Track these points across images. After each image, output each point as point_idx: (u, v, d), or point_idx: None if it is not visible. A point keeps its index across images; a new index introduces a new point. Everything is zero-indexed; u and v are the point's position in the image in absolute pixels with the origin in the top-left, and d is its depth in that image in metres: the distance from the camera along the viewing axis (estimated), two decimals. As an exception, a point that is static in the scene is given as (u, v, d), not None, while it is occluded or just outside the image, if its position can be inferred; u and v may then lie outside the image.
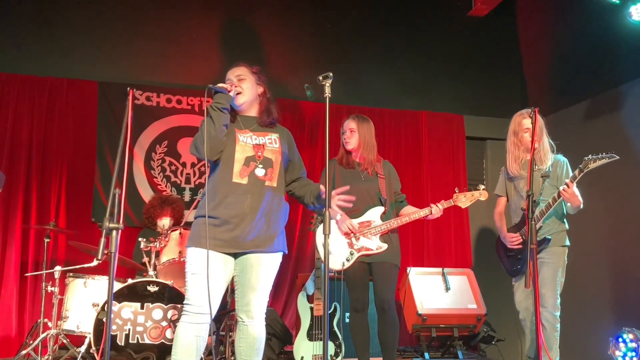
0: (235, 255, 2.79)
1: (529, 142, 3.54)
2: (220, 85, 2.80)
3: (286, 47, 5.91)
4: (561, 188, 3.39)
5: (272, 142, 2.88)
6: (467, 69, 6.29)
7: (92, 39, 5.39)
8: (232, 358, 4.16)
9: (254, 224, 2.74)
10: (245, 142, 2.82)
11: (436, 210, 3.62)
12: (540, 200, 3.55)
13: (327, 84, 2.57)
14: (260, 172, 2.80)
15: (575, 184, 3.38)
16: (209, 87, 2.75)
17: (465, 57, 6.29)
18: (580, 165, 3.35)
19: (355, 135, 3.75)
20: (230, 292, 4.21)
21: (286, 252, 2.93)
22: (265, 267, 2.81)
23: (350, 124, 3.78)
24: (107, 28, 5.44)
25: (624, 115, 4.81)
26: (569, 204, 3.53)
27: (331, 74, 2.57)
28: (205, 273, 2.62)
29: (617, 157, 3.34)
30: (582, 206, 3.49)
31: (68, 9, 5.38)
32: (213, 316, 2.73)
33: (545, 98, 5.89)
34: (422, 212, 3.64)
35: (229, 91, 2.80)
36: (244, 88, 2.88)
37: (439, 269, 5.08)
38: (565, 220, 3.66)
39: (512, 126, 3.75)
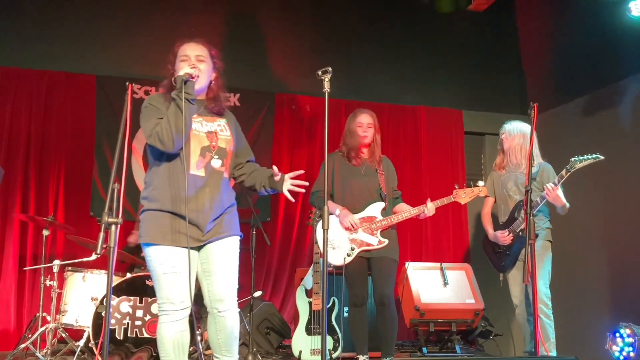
0: (198, 248, 2.70)
1: (504, 143, 3.99)
2: (186, 72, 2.60)
3: (285, 42, 5.90)
4: (548, 187, 3.54)
5: (222, 129, 2.77)
6: (466, 64, 6.28)
7: (91, 33, 5.36)
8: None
9: (213, 215, 2.67)
10: (199, 130, 2.69)
11: (431, 207, 3.62)
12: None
13: (327, 79, 2.57)
14: (216, 163, 2.70)
15: (560, 187, 3.57)
16: (180, 76, 2.57)
17: (464, 52, 6.28)
18: (567, 166, 3.49)
19: (372, 130, 3.77)
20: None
21: (242, 236, 2.85)
22: (228, 251, 2.74)
23: (367, 119, 3.77)
24: (105, 22, 5.41)
25: (622, 111, 4.81)
26: (558, 207, 3.70)
27: (330, 69, 2.56)
28: (177, 270, 2.56)
29: (602, 158, 3.48)
30: (567, 205, 3.67)
31: (66, 2, 5.36)
32: (190, 309, 2.67)
33: (544, 93, 5.89)
34: (414, 211, 3.64)
35: (194, 77, 2.61)
36: (202, 71, 2.69)
37: (437, 264, 5.08)
38: (549, 219, 3.86)
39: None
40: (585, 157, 3.48)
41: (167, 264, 2.59)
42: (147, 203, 2.67)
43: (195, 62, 2.70)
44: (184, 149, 2.59)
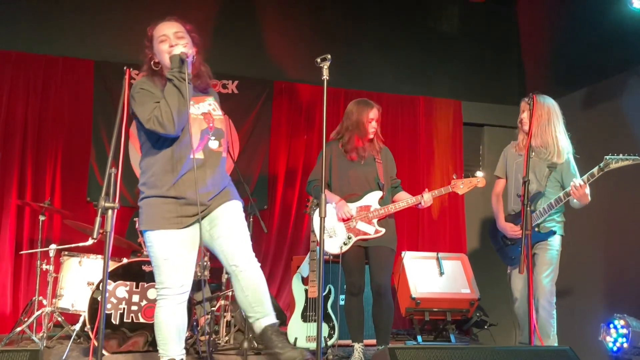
0: (203, 219, 2.66)
1: (524, 125, 3.51)
2: (182, 51, 2.54)
3: (284, 30, 5.86)
4: (574, 183, 3.26)
5: (214, 108, 2.74)
6: (466, 55, 6.26)
7: (88, 17, 5.32)
8: (227, 337, 4.19)
9: (213, 193, 2.66)
10: (195, 114, 2.64)
11: (427, 197, 3.61)
12: (546, 192, 3.48)
13: (325, 67, 2.55)
14: (214, 144, 2.67)
15: (588, 185, 3.27)
16: (176, 56, 2.52)
17: (465, 42, 6.26)
18: (601, 164, 3.24)
19: (378, 124, 3.75)
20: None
21: (243, 202, 2.82)
22: (234, 212, 2.70)
23: (377, 114, 3.72)
24: (103, 6, 5.37)
25: (623, 103, 4.80)
26: (572, 202, 3.45)
27: (329, 57, 2.54)
28: (179, 253, 2.56)
29: None
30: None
31: (64, -14, 5.32)
32: (190, 290, 2.67)
33: (543, 85, 5.87)
34: (411, 201, 3.64)
35: (189, 56, 2.55)
36: (181, 45, 2.60)
37: (434, 254, 5.10)
38: (564, 212, 3.61)
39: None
40: (623, 156, 3.21)
41: (169, 248, 2.57)
42: (147, 190, 2.64)
43: (175, 40, 2.61)
44: (189, 130, 2.55)
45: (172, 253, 2.57)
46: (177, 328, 2.64)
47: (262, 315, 2.59)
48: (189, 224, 2.60)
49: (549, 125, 3.49)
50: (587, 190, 3.31)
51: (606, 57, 5.00)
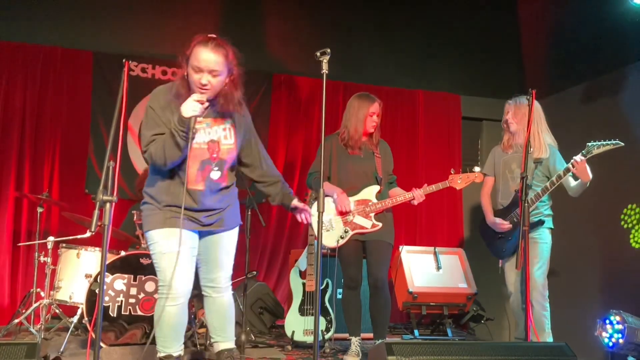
0: (200, 235, 2.77)
1: (510, 125, 3.73)
2: (194, 114, 2.47)
3: (283, 22, 5.84)
4: (573, 159, 3.38)
5: (227, 135, 2.68)
6: (465, 49, 6.24)
7: (88, 8, 5.29)
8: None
9: (213, 214, 2.72)
10: (199, 143, 2.60)
11: (418, 194, 3.58)
12: (532, 185, 3.58)
13: (325, 60, 2.55)
14: (215, 175, 2.67)
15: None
16: (185, 120, 2.47)
17: (464, 36, 6.24)
18: (583, 151, 3.37)
19: (379, 119, 3.74)
20: None
21: (242, 223, 2.93)
22: (228, 243, 2.82)
23: (378, 108, 3.71)
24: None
25: (623, 99, 4.80)
26: (572, 185, 3.57)
27: (329, 50, 2.54)
28: (176, 249, 2.58)
29: (622, 144, 3.34)
30: (588, 183, 3.50)
31: (63, -23, 5.29)
32: (191, 293, 2.73)
33: (543, 79, 5.86)
34: (408, 195, 3.63)
35: (200, 112, 2.50)
36: (214, 85, 2.55)
37: (431, 248, 5.11)
38: (550, 206, 3.74)
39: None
40: (603, 142, 3.33)
41: (168, 243, 2.60)
42: (149, 198, 2.71)
43: (207, 78, 2.52)
44: (187, 163, 2.57)
45: (171, 247, 2.58)
46: (176, 326, 2.67)
47: (222, 340, 2.83)
48: (189, 228, 2.66)
49: (532, 124, 3.55)
50: (587, 167, 3.42)
51: (606, 52, 4.99)
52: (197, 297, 3.97)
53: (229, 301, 2.85)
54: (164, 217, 2.63)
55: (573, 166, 3.39)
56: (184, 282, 2.63)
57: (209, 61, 2.53)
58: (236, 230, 2.87)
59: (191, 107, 2.48)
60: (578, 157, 3.40)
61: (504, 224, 3.70)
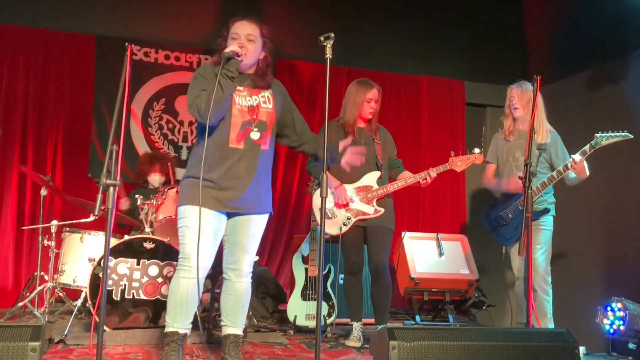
0: (229, 215, 2.84)
1: (516, 111, 3.72)
2: (232, 49, 2.70)
3: (286, 6, 5.79)
4: (572, 159, 3.40)
5: (265, 101, 2.85)
6: (469, 35, 6.20)
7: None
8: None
9: (248, 187, 2.79)
10: (241, 104, 2.78)
11: (433, 173, 3.59)
12: (537, 172, 3.56)
13: (329, 45, 2.52)
14: (255, 135, 2.80)
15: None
16: (225, 54, 2.68)
17: (468, 22, 6.19)
18: (592, 142, 3.37)
19: (377, 105, 3.74)
20: None
21: (272, 212, 3.01)
22: (255, 228, 2.89)
23: (376, 94, 3.72)
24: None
25: (627, 86, 4.77)
26: (571, 177, 3.58)
27: (333, 35, 2.52)
28: (202, 227, 2.64)
29: (631, 136, 3.34)
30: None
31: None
32: (208, 271, 2.80)
33: (547, 66, 5.82)
34: (410, 180, 3.63)
35: (240, 55, 2.71)
36: (250, 50, 2.78)
37: (434, 234, 5.12)
38: (553, 193, 3.75)
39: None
40: (612, 134, 3.32)
41: (196, 219, 2.65)
42: (187, 170, 2.82)
43: (244, 42, 2.76)
44: (230, 122, 2.72)
45: (197, 224, 2.64)
46: (187, 301, 2.72)
47: (231, 325, 2.87)
48: (218, 209, 2.75)
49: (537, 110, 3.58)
50: (585, 165, 3.46)
51: (610, 39, 4.95)
52: (210, 277, 3.98)
53: (247, 288, 2.90)
54: (195, 194, 2.68)
55: (572, 166, 3.42)
56: (202, 257, 2.68)
57: (245, 27, 2.81)
58: (265, 217, 2.94)
59: (231, 47, 2.71)
60: (577, 157, 3.40)
61: (518, 185, 3.52)
